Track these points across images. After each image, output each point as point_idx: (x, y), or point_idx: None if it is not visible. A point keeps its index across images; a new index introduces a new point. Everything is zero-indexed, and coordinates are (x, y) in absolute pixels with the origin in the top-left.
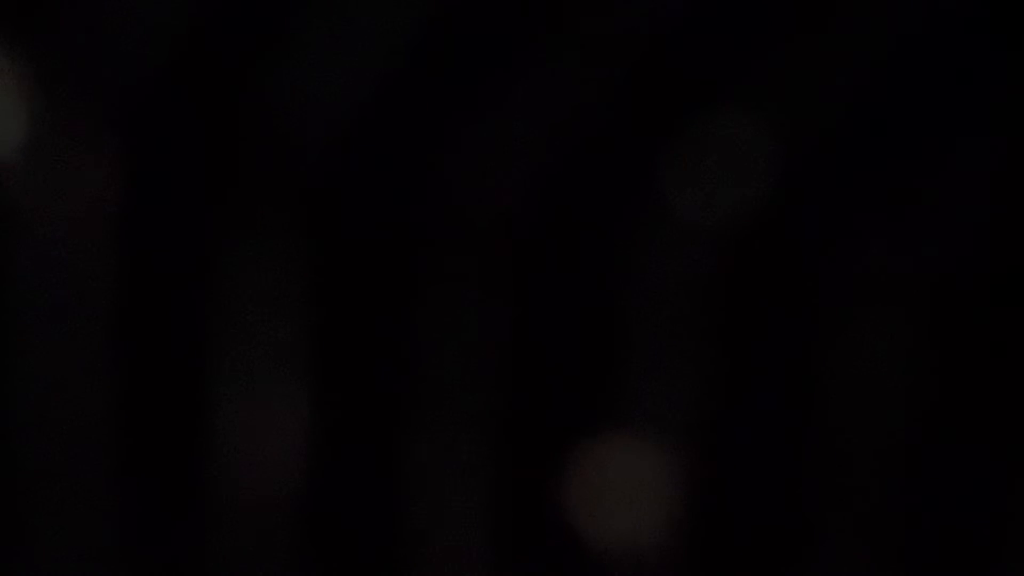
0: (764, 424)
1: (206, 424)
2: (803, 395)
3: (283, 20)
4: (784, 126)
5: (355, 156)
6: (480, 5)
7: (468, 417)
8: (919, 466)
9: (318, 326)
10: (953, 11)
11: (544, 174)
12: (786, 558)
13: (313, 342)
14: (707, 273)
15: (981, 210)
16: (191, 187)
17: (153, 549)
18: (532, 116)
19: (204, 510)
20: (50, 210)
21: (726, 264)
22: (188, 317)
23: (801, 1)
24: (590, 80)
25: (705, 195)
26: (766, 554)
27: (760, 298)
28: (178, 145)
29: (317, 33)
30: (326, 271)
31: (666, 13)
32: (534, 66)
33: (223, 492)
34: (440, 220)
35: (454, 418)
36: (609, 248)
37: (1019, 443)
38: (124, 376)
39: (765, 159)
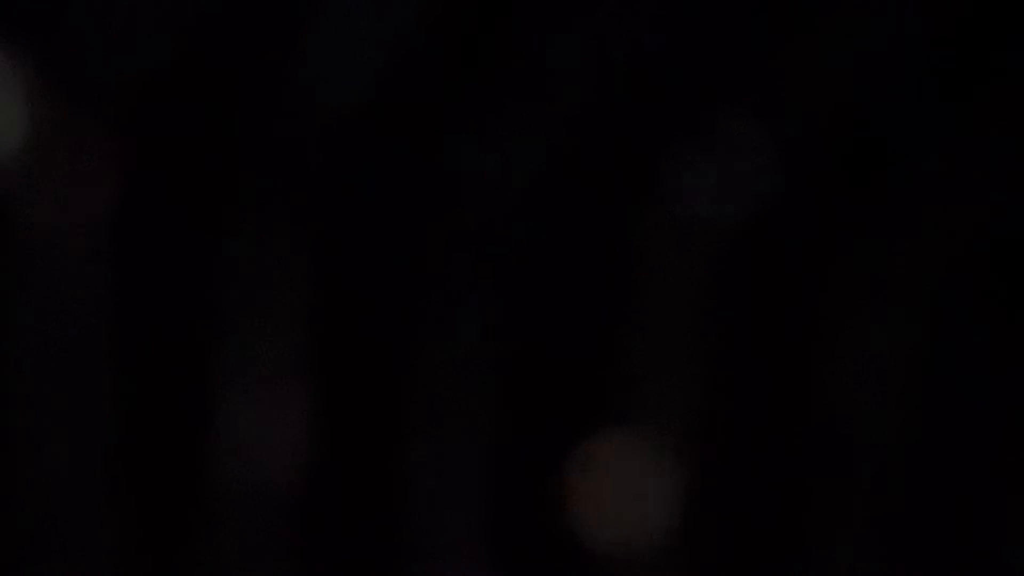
0: (764, 424)
1: (206, 424)
2: (803, 395)
3: (283, 20)
4: (784, 126)
5: (355, 155)
6: (482, 4)
7: (468, 417)
8: (920, 466)
9: (318, 326)
10: (952, 11)
11: (545, 173)
12: (786, 558)
13: (313, 341)
14: (708, 273)
15: (981, 209)
16: (191, 187)
17: (153, 549)
18: (532, 116)
19: (204, 510)
20: (50, 210)
21: (727, 264)
22: (188, 317)
23: (801, 2)
24: (591, 80)
25: (706, 195)
26: (766, 555)
27: (761, 297)
28: (178, 145)
29: (317, 33)
30: (326, 270)
31: (668, 13)
32: (534, 66)
33: (223, 492)
34: (440, 219)
35: (454, 418)
36: (609, 247)
37: (1019, 443)
38: (124, 376)
39: (765, 159)
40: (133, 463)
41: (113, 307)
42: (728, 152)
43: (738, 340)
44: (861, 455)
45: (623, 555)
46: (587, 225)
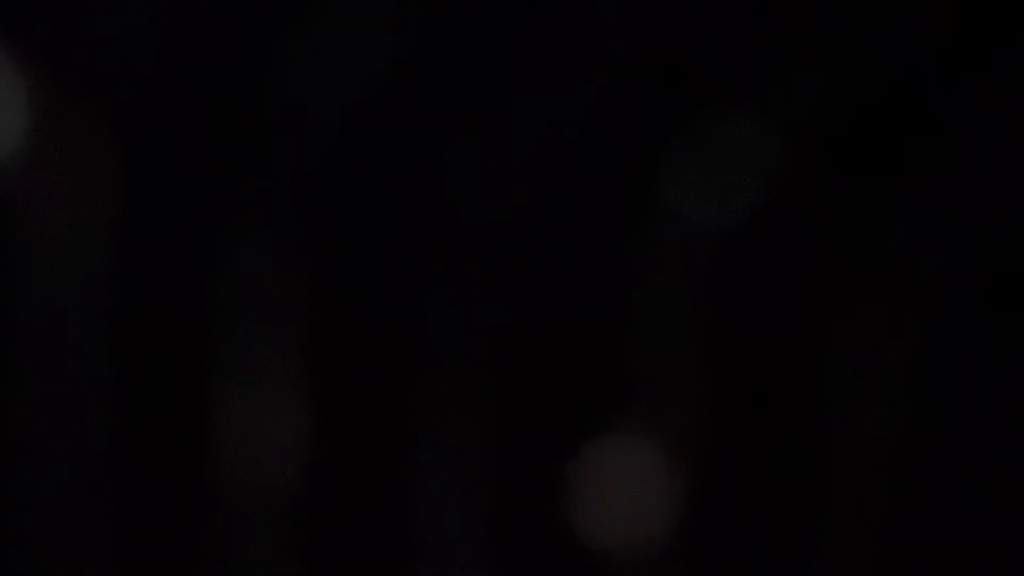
0: (764, 424)
1: (206, 423)
2: (804, 395)
3: (283, 19)
4: (784, 126)
5: (355, 156)
6: (480, 5)
7: (468, 417)
8: (920, 468)
9: (318, 325)
10: (952, 11)
11: (544, 174)
12: (786, 558)
13: (313, 341)
14: (708, 272)
15: (982, 210)
16: (191, 186)
17: (153, 548)
18: (532, 116)
19: (204, 510)
20: (50, 210)
21: (727, 263)
22: (188, 317)
23: (801, 1)
24: (591, 79)
25: (705, 195)
26: (766, 555)
27: (760, 297)
28: (178, 145)
29: (317, 32)
30: (326, 270)
31: (667, 13)
32: (534, 66)
33: (223, 492)
34: (440, 219)
35: (454, 418)
36: (609, 248)
37: (1019, 445)
38: (124, 375)
39: (765, 159)
40: (133, 463)
41: (113, 306)
42: (728, 152)
43: (738, 340)
44: (861, 455)
45: (623, 555)
46: (587, 224)
